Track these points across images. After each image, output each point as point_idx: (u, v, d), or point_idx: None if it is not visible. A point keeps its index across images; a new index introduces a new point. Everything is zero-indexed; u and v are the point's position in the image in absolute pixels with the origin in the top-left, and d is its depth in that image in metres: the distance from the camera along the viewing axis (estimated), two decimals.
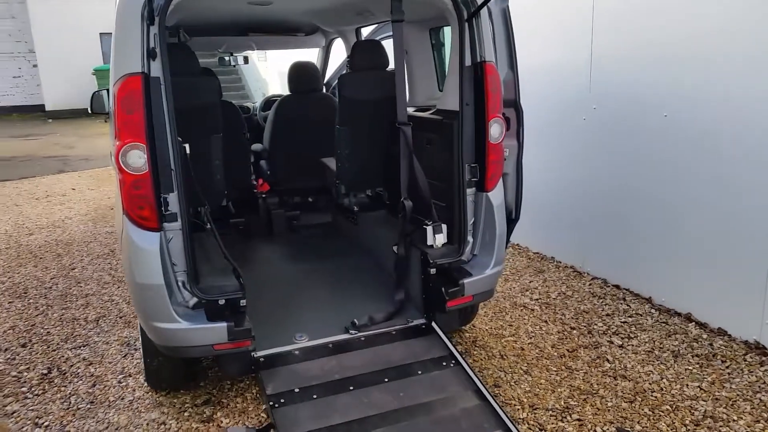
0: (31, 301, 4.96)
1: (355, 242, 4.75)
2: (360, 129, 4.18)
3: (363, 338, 3.36)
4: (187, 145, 3.08)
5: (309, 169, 5.03)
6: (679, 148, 4.02)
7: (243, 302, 3.06)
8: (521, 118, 3.72)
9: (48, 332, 4.36)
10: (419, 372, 3.11)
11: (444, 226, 3.55)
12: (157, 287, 2.82)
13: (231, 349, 2.99)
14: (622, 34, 4.35)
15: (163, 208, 2.83)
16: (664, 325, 4.04)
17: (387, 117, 3.80)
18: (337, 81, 4.57)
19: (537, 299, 4.60)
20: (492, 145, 3.39)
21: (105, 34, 18.77)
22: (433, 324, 3.48)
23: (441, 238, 3.53)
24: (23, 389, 3.60)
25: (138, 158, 2.73)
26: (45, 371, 3.79)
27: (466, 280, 3.35)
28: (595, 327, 4.08)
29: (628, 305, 4.37)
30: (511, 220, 3.86)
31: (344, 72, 4.42)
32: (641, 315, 4.20)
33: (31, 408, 3.41)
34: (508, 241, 3.87)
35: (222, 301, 3.03)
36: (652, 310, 4.25)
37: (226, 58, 6.85)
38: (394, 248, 3.68)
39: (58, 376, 3.73)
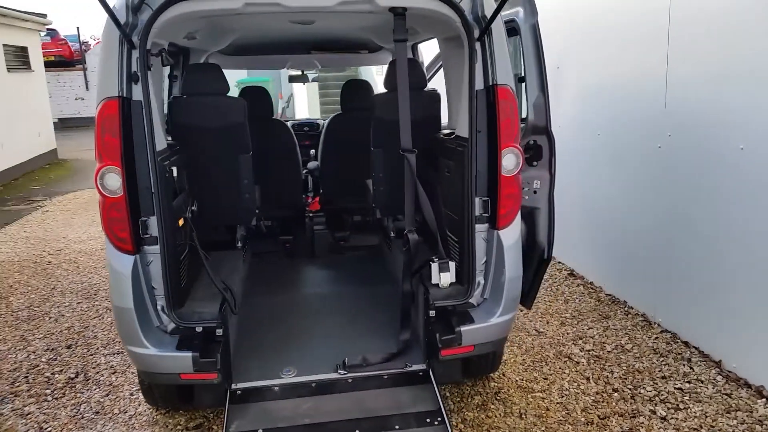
0: (96, 302, 5.28)
1: (389, 269, 4.51)
2: (394, 152, 3.94)
3: (350, 380, 3.13)
4: (174, 168, 3.06)
5: (357, 189, 4.88)
6: (758, 189, 3.33)
7: (219, 332, 2.96)
8: (553, 146, 3.30)
9: (95, 335, 4.59)
10: (397, 427, 2.82)
11: (452, 264, 3.22)
12: (128, 311, 2.80)
13: (197, 380, 2.91)
14: (702, 46, 3.72)
15: (141, 231, 2.82)
16: (725, 397, 3.36)
17: (420, 140, 3.56)
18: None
19: (589, 350, 4.05)
20: (505, 178, 3.03)
21: None
22: (431, 373, 3.15)
23: (447, 277, 3.21)
24: (47, 391, 3.79)
25: (115, 181, 2.74)
26: (73, 375, 3.98)
27: (464, 328, 3.01)
28: (642, 391, 3.49)
29: (691, 368, 3.70)
30: (543, 260, 3.45)
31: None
32: (702, 382, 3.53)
33: (44, 411, 3.57)
34: (537, 284, 3.47)
35: (199, 329, 2.96)
36: (718, 377, 3.56)
37: (312, 76, 6.91)
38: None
39: (82, 382, 3.89)
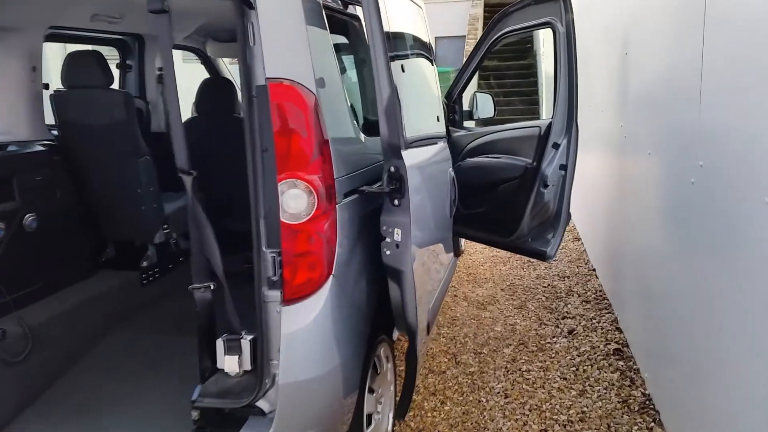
0: None
1: None
2: None
3: None
4: None
5: None
6: None
7: None
8: (405, 176, 2.09)
9: None
10: None
11: (246, 344, 2.19)
12: None
13: None
14: (743, 42, 2.11)
15: None
16: None
17: None
18: None
19: None
20: (288, 226, 1.96)
21: (441, 38, 18.67)
22: None
23: (234, 362, 2.19)
24: None
25: None
26: None
27: None
28: None
29: None
30: (413, 355, 2.28)
31: None
32: None
33: None
34: (409, 388, 2.31)
35: None
36: None
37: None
38: None
39: None
